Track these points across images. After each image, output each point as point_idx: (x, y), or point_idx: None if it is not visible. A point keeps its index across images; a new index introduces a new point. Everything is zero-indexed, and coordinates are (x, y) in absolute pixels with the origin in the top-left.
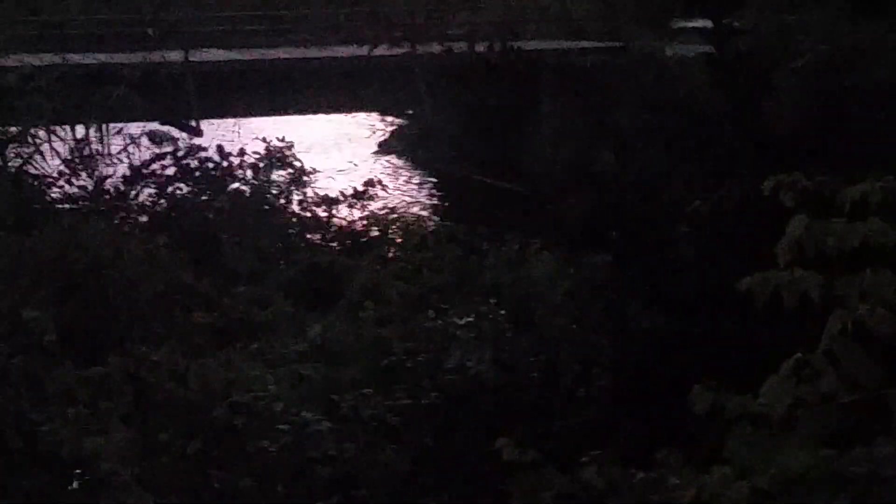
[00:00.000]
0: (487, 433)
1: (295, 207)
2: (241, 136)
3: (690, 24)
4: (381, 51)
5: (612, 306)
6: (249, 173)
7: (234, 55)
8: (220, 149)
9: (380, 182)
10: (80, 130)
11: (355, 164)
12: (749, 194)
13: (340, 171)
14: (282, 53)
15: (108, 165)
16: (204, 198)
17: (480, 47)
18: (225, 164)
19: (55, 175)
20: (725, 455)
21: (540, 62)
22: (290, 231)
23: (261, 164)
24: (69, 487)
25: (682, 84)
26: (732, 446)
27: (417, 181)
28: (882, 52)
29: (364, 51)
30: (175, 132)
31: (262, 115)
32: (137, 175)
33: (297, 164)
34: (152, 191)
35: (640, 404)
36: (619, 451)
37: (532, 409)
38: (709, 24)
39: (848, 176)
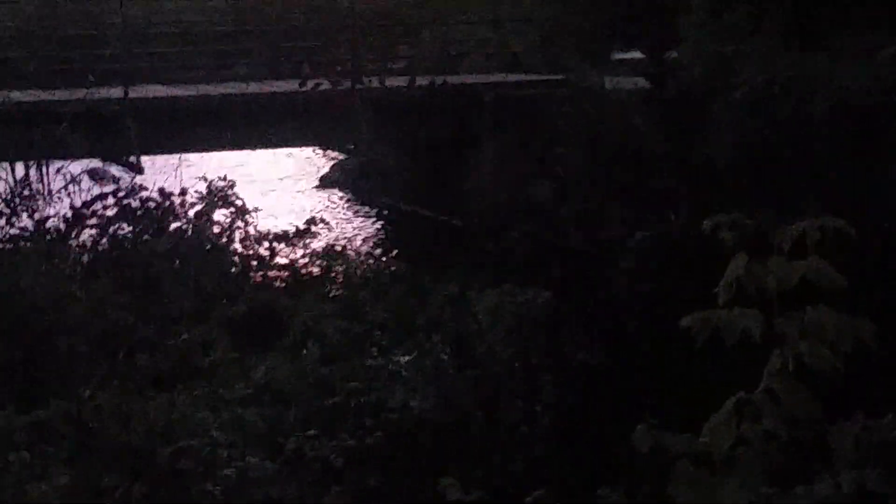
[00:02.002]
0: (432, 472)
1: (237, 246)
2: (182, 173)
3: (629, 56)
4: (323, 86)
5: (554, 343)
6: (191, 213)
7: (174, 91)
8: (161, 190)
9: (321, 220)
10: (19, 170)
11: (298, 200)
12: (689, 230)
13: (282, 207)
14: (223, 89)
15: (49, 205)
16: (146, 237)
17: (422, 81)
18: (166, 203)
19: None
20: (668, 494)
21: (480, 95)
22: (233, 271)
23: (202, 204)
24: None
25: (622, 117)
26: (675, 485)
27: (359, 216)
28: (819, 82)
29: (307, 86)
30: (116, 170)
31: (203, 150)
32: (79, 215)
33: (239, 202)
34: (94, 231)
35: (583, 442)
36: (562, 489)
37: (476, 447)
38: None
39: (787, 208)
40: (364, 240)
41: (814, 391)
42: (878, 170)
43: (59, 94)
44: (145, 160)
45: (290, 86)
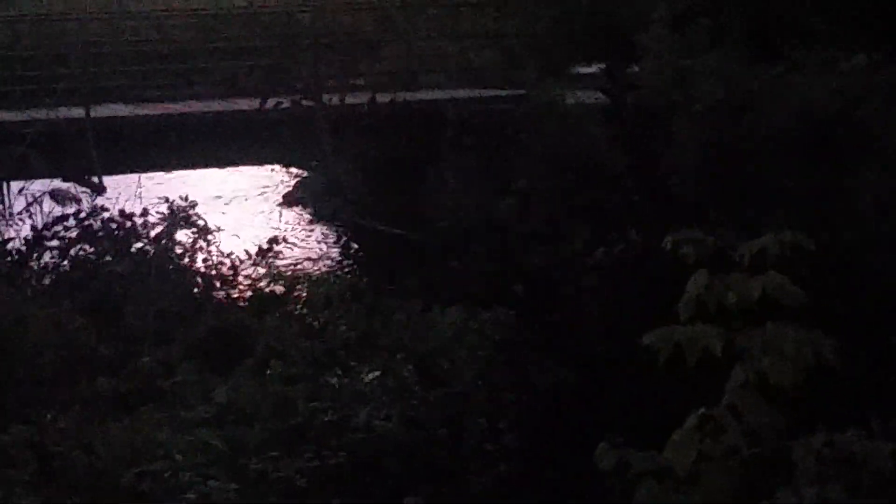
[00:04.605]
0: (396, 492)
1: (199, 267)
2: (144, 192)
3: (589, 70)
4: (284, 104)
5: (517, 361)
6: (153, 234)
7: (136, 110)
8: (121, 212)
9: (284, 239)
10: None
11: (261, 219)
12: (650, 246)
13: (245, 225)
14: (184, 107)
15: (10, 227)
16: (107, 259)
17: (383, 98)
18: (128, 224)
19: None
20: None
21: (441, 112)
22: (195, 291)
23: (163, 225)
24: None
25: (583, 132)
26: (639, 502)
27: (322, 233)
28: (780, 95)
29: (268, 104)
30: (78, 189)
31: (165, 169)
32: (40, 237)
33: (201, 222)
34: (55, 253)
35: (547, 460)
36: None
37: (440, 466)
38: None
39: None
40: (327, 258)
41: (775, 406)
42: (839, 183)
43: (20, 115)
44: (108, 180)
45: (251, 104)
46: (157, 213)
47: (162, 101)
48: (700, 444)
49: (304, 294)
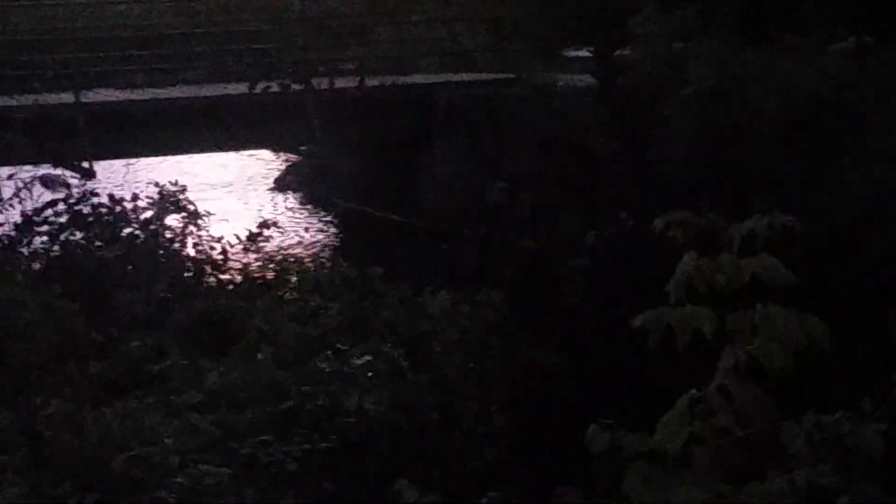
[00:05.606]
0: (387, 476)
1: (189, 252)
2: (134, 177)
3: (580, 54)
4: (273, 88)
5: (508, 344)
6: (143, 218)
7: (125, 95)
8: (111, 197)
9: (274, 223)
10: None
11: (252, 203)
12: (640, 229)
13: (236, 210)
14: (174, 93)
15: (0, 212)
16: (98, 244)
17: (373, 81)
18: (118, 209)
19: None
20: (623, 493)
21: (431, 95)
22: (185, 276)
23: (154, 209)
24: None
25: (574, 116)
26: (629, 484)
27: (314, 218)
28: (770, 79)
29: (257, 88)
30: (68, 175)
31: (155, 154)
32: (30, 222)
33: (191, 207)
34: (45, 238)
35: (538, 443)
36: (517, 490)
37: (431, 449)
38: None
39: (739, 204)
40: (318, 242)
41: (766, 388)
42: (830, 166)
43: (10, 100)
44: (97, 165)
45: (241, 89)
46: (147, 197)
47: (151, 87)
48: (691, 425)
49: (295, 278)
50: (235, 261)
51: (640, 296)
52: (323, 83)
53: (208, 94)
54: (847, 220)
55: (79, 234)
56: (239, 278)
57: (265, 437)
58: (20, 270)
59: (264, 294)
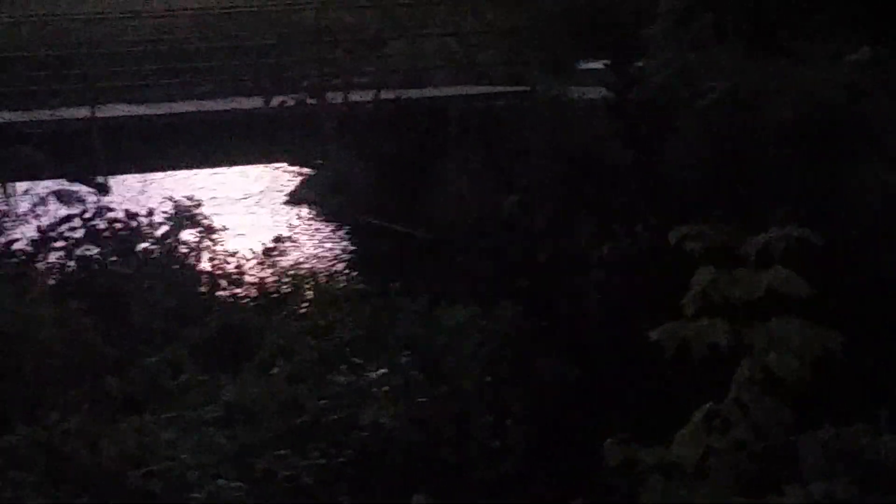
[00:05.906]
0: (403, 490)
1: (205, 266)
2: (149, 192)
3: (593, 66)
4: (288, 102)
5: (523, 357)
6: (158, 233)
7: (140, 110)
8: (127, 212)
9: (290, 237)
10: None
11: (267, 217)
12: (656, 241)
13: (251, 224)
14: (188, 107)
15: (15, 227)
16: (113, 258)
17: (388, 95)
18: (133, 224)
19: None
20: None
21: (445, 108)
22: (201, 291)
23: (169, 224)
24: None
25: (588, 128)
26: (646, 497)
27: (328, 231)
28: (785, 89)
29: (273, 103)
30: (83, 190)
31: (170, 169)
32: (45, 237)
33: (206, 222)
34: (61, 253)
35: (554, 456)
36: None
37: (447, 463)
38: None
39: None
40: (333, 256)
41: (782, 401)
42: (845, 177)
43: (26, 115)
44: (112, 180)
45: (255, 102)
46: (163, 213)
47: (167, 101)
48: (707, 438)
49: (311, 292)
50: (251, 275)
51: (655, 308)
52: (337, 97)
53: (223, 109)
54: (863, 231)
55: (94, 250)
56: (254, 293)
57: (281, 452)
58: (36, 285)
59: (280, 308)
